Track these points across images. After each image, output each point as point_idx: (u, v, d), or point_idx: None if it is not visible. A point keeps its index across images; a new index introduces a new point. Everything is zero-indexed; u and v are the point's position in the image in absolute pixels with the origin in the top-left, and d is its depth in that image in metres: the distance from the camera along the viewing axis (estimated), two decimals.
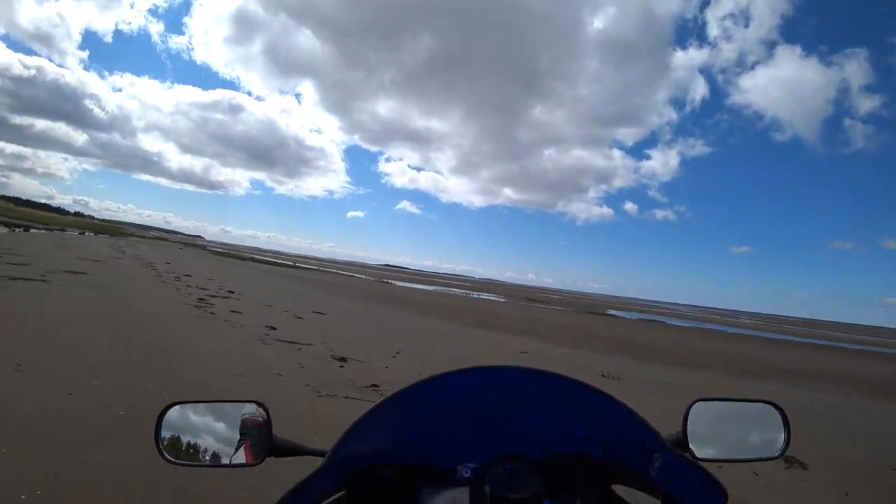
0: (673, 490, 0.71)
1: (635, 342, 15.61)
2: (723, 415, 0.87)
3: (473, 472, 0.74)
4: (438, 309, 19.01)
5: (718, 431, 0.85)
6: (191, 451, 0.83)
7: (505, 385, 0.78)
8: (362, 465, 0.75)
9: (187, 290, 11.37)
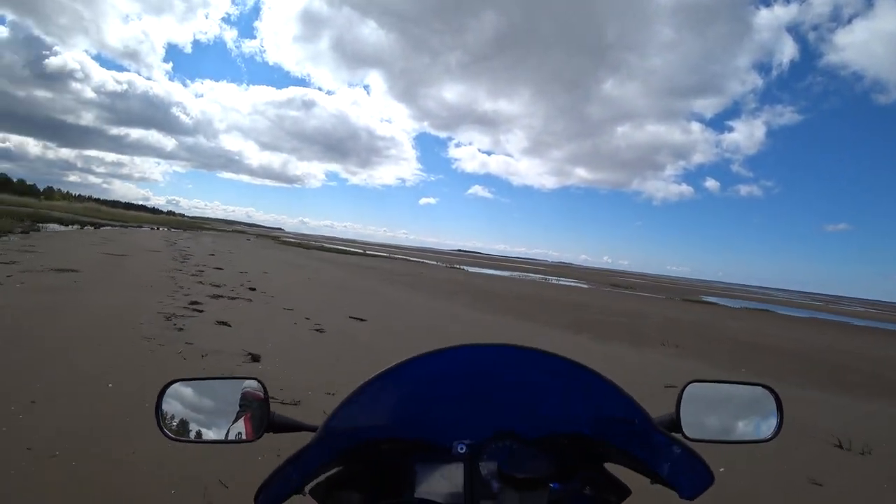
0: (662, 469, 0.70)
1: (789, 351, 11.14)
2: (717, 397, 0.83)
3: (469, 448, 0.72)
4: (515, 302, 15.39)
5: (712, 413, 0.80)
6: (191, 427, 0.79)
7: (499, 363, 0.76)
8: (358, 440, 0.74)
9: (188, 290, 8.66)
